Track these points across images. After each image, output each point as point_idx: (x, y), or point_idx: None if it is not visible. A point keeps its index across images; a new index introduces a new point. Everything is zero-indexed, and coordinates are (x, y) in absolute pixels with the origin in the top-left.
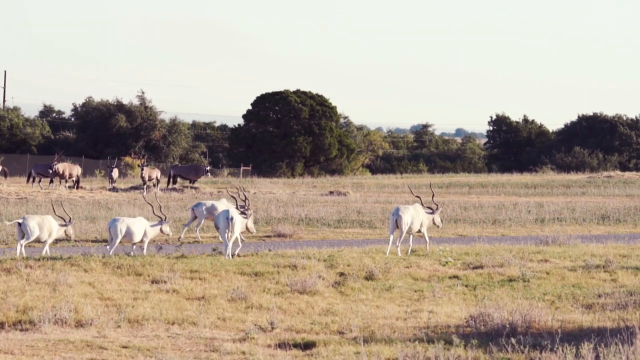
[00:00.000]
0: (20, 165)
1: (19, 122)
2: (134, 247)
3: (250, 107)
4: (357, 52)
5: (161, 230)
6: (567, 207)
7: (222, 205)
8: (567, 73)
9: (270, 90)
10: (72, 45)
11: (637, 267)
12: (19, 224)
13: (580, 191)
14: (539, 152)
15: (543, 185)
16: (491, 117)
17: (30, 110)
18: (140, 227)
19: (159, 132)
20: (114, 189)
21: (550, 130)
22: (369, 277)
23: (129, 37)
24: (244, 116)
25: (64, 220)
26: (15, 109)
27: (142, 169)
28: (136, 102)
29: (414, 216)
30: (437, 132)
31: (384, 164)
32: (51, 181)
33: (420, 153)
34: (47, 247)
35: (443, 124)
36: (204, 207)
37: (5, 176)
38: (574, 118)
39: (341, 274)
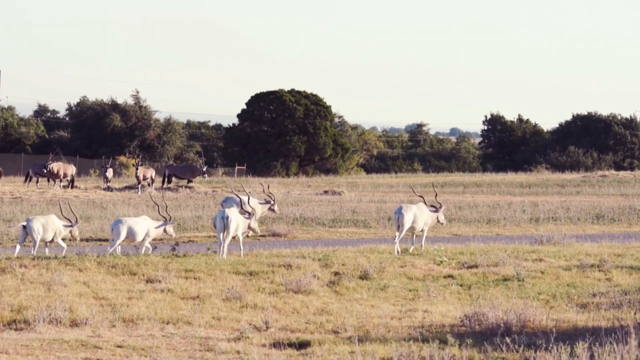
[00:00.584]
0: (15, 165)
1: (14, 122)
2: (139, 246)
3: (244, 107)
4: (352, 52)
5: (165, 231)
6: (561, 207)
7: (251, 201)
8: (561, 72)
9: (264, 90)
10: (66, 44)
11: (632, 266)
12: (24, 226)
13: (575, 190)
14: (534, 151)
15: (538, 184)
16: (486, 117)
17: (25, 109)
18: (144, 227)
19: (153, 131)
20: (109, 189)
21: (545, 130)
22: (364, 277)
23: (123, 37)
24: (238, 115)
25: (70, 221)
26: (10, 108)
27: (137, 169)
28: (131, 101)
29: (417, 215)
30: (432, 132)
31: (378, 164)
32: (48, 180)
33: (415, 152)
34: (63, 244)
35: (438, 124)
36: (233, 203)
37: (0, 176)
38: (569, 117)
39: (336, 274)
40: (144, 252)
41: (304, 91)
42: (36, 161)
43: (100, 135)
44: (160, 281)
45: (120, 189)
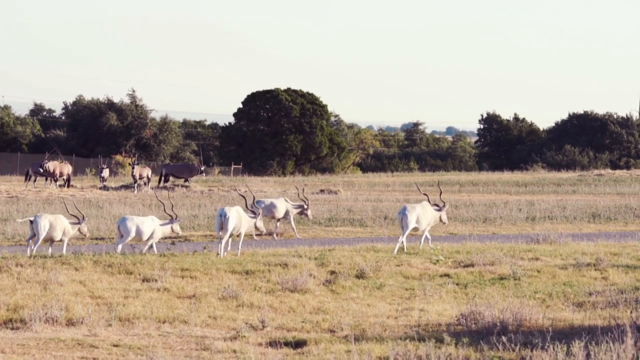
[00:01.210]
0: (11, 164)
1: (10, 121)
2: (146, 245)
3: (241, 106)
4: (348, 51)
5: (172, 229)
6: (557, 206)
7: (281, 202)
8: (557, 71)
9: (261, 89)
10: (63, 43)
11: (628, 265)
12: (31, 221)
13: (571, 189)
14: (530, 150)
15: (534, 183)
16: (482, 116)
17: (21, 108)
18: (150, 225)
19: (149, 130)
20: (105, 188)
21: (541, 129)
22: (360, 276)
23: (119, 36)
24: (234, 114)
25: (77, 219)
26: (6, 107)
27: (133, 168)
28: (127, 100)
29: (421, 214)
30: (428, 131)
31: (374, 162)
32: (46, 179)
33: (411, 151)
34: (65, 246)
35: (434, 122)
36: (262, 205)
37: None
38: (565, 116)
39: (332, 272)
40: (148, 251)
41: (300, 90)
42: (32, 160)
43: (96, 134)
44: (156, 280)
45: (116, 188)
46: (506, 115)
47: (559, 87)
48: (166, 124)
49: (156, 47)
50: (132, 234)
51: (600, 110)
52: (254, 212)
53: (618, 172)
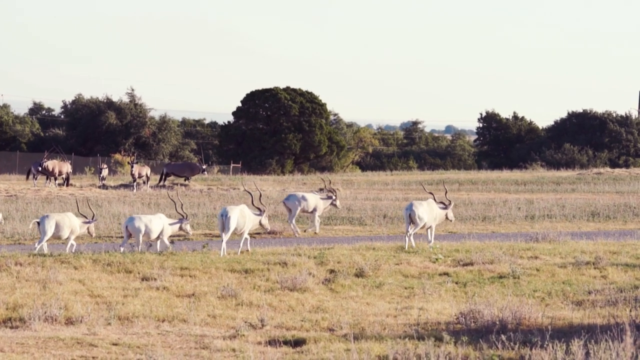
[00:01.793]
0: (10, 163)
1: (9, 120)
2: (154, 243)
3: (240, 104)
4: (347, 50)
5: (181, 228)
6: (557, 204)
7: (313, 197)
8: (556, 70)
9: (260, 88)
10: (62, 42)
11: (627, 263)
12: (37, 223)
13: (570, 188)
14: (529, 148)
15: (533, 182)
16: (481, 114)
17: (20, 107)
18: (159, 224)
19: (148, 129)
20: (104, 186)
21: (540, 127)
22: (359, 274)
23: (118, 35)
24: (233, 113)
25: (86, 217)
26: (5, 106)
27: (132, 166)
28: (126, 99)
29: (428, 211)
30: (427, 129)
31: (373, 161)
32: (47, 178)
33: (410, 150)
34: (69, 245)
35: (433, 121)
36: (295, 199)
37: None
38: (564, 115)
39: (331, 271)
40: (162, 249)
41: (299, 89)
42: (31, 159)
43: (95, 133)
44: (155, 279)
45: (115, 187)
46: (505, 113)
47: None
48: (165, 123)
49: (155, 46)
50: (142, 233)
51: (599, 108)
52: (259, 209)
53: (617, 170)
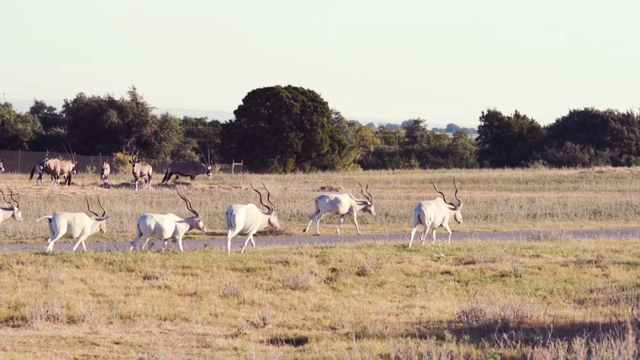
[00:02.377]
0: (12, 162)
1: (10, 119)
2: (166, 243)
3: (241, 103)
4: (349, 48)
5: (192, 226)
6: (558, 203)
7: (345, 197)
8: (558, 68)
9: (261, 86)
10: (63, 42)
11: (629, 262)
12: (50, 220)
13: (572, 186)
14: (531, 147)
15: (535, 180)
16: (483, 113)
17: (22, 106)
18: (170, 223)
19: (150, 128)
20: (106, 185)
21: (542, 126)
22: (361, 273)
23: (120, 34)
24: (235, 112)
25: (98, 215)
26: (7, 105)
27: (134, 165)
28: (127, 98)
29: (436, 211)
30: (429, 128)
31: (375, 160)
32: (52, 177)
33: (412, 148)
34: (78, 244)
35: (434, 120)
36: (327, 200)
37: None
38: (566, 113)
39: (333, 270)
40: (175, 248)
41: (301, 87)
42: (33, 158)
43: (97, 132)
44: (157, 278)
45: (117, 186)
46: (507, 112)
47: (560, 84)
48: (167, 122)
49: (157, 46)
50: (152, 231)
51: (601, 107)
52: (268, 208)
53: (619, 169)
